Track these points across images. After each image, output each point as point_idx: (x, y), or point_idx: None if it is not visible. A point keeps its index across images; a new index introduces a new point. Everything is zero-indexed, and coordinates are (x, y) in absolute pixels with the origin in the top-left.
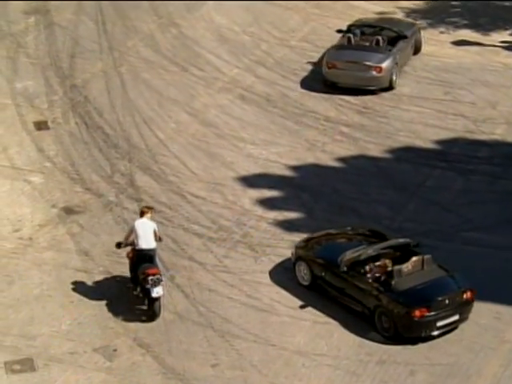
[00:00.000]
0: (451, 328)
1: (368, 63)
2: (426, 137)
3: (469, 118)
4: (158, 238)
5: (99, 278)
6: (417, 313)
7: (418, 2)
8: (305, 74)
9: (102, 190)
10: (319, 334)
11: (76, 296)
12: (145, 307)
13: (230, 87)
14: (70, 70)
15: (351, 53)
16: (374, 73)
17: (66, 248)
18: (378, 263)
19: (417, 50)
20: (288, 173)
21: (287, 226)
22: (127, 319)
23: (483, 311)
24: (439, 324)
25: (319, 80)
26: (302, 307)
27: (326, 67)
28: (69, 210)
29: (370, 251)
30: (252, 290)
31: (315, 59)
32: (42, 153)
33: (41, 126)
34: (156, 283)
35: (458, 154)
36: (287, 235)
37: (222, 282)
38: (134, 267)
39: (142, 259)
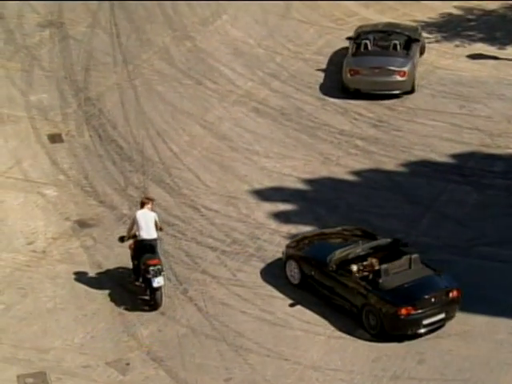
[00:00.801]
0: (437, 326)
1: (392, 68)
2: (441, 151)
3: (484, 131)
4: (159, 228)
5: (112, 291)
6: (403, 311)
7: (432, 15)
8: (319, 87)
9: (115, 203)
10: (333, 348)
11: (89, 309)
12: (147, 297)
13: (244, 100)
14: (85, 82)
15: (373, 58)
16: (398, 77)
17: (80, 261)
18: (365, 262)
19: (421, 53)
20: (302, 186)
21: None
22: (140, 333)
23: (499, 326)
24: (425, 322)
25: (334, 93)
26: (291, 305)
27: (347, 74)
28: (82, 223)
29: (359, 250)
30: (265, 303)
31: (330, 72)
32: (56, 166)
33: (55, 138)
34: (157, 273)
35: (473, 168)
36: None
37: (235, 296)
38: (135, 258)
39: (143, 249)
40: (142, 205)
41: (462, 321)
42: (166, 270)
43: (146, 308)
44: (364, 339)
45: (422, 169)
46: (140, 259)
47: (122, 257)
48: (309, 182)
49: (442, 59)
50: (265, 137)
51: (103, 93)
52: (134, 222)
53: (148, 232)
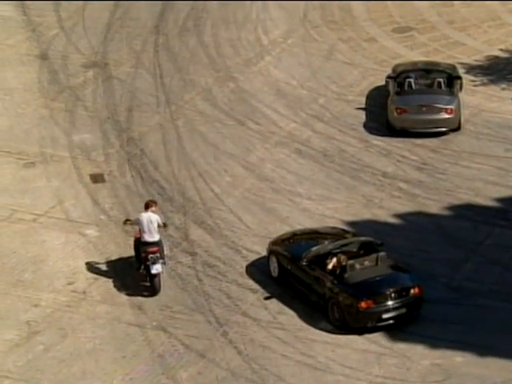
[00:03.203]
0: (399, 321)
1: (439, 105)
2: (486, 194)
3: None
4: (163, 225)
5: (152, 332)
6: (363, 304)
7: (478, 57)
8: (362, 128)
9: None
10: None
11: (129, 351)
12: (148, 284)
13: (286, 141)
14: (127, 123)
15: (419, 96)
16: (445, 114)
17: (120, 302)
18: (335, 258)
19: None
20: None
21: None
22: (179, 375)
23: None
24: (385, 316)
25: (377, 134)
26: (266, 298)
27: (394, 113)
28: (123, 263)
29: (330, 247)
30: (306, 347)
31: (374, 113)
32: (98, 206)
33: (97, 178)
34: (155, 261)
35: None
36: None
37: (275, 339)
38: (138, 248)
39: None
40: (147, 207)
41: (506, 367)
42: (166, 260)
43: (146, 294)
44: (326, 331)
45: (466, 212)
46: (141, 248)
47: (162, 298)
48: (351, 224)
49: (487, 102)
50: (307, 178)
51: (146, 133)
52: (138, 223)
53: (151, 235)
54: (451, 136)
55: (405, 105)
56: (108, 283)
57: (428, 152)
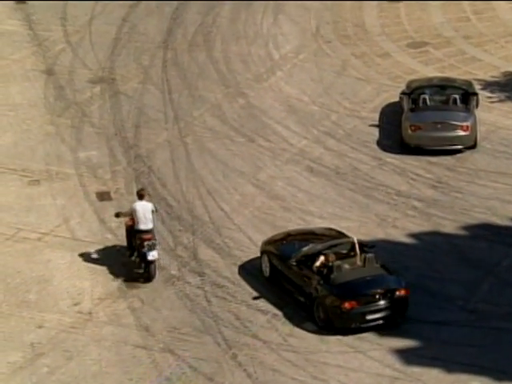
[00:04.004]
0: (383, 323)
1: (455, 122)
2: (503, 214)
3: None
4: (156, 210)
5: (159, 354)
6: (346, 305)
7: (495, 73)
8: (375, 145)
9: (163, 264)
10: None
11: (135, 373)
12: (141, 271)
13: (297, 159)
14: (135, 139)
15: (434, 113)
16: (461, 131)
17: (126, 323)
18: (322, 258)
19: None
20: None
21: None
22: None
23: None
24: (369, 317)
25: (391, 151)
26: (255, 298)
27: (408, 130)
28: (130, 284)
29: (319, 247)
30: (318, 371)
31: (388, 130)
32: (104, 224)
33: (103, 196)
34: (151, 247)
35: None
36: None
37: (286, 362)
38: (130, 236)
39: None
40: (141, 197)
41: None
42: (159, 245)
43: (141, 280)
44: (308, 331)
45: (482, 232)
46: (135, 236)
47: (170, 319)
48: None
49: (504, 119)
50: (319, 197)
51: (153, 150)
52: (132, 213)
53: (145, 224)
54: (467, 154)
55: (419, 122)
56: (114, 304)
57: (443, 170)
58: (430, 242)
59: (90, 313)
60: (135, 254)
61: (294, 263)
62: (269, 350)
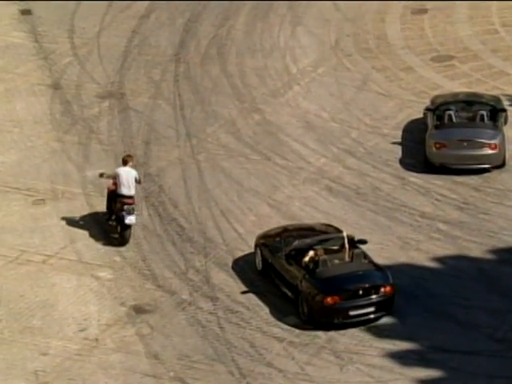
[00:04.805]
0: (368, 319)
1: (482, 140)
2: None
3: None
4: (139, 181)
5: (169, 383)
6: (329, 300)
7: None
8: (398, 164)
9: (174, 288)
10: None
11: None
12: (116, 235)
13: (316, 178)
14: (145, 157)
15: (460, 130)
16: (489, 150)
17: (135, 350)
18: (311, 252)
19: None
20: None
21: (376, 331)
22: None
23: None
24: (352, 313)
25: (415, 171)
26: (243, 293)
27: (433, 148)
28: (138, 309)
29: (309, 241)
30: None
31: (411, 148)
32: (112, 246)
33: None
34: (130, 212)
35: None
36: (376, 342)
37: None
38: (110, 200)
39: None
40: (125, 163)
41: None
42: (138, 213)
43: (116, 243)
44: (289, 325)
45: (511, 256)
46: (115, 200)
47: (181, 347)
48: (386, 268)
49: None
50: (338, 218)
51: (164, 168)
52: (116, 177)
53: (128, 189)
54: (495, 173)
55: (444, 139)
56: (122, 330)
57: (470, 190)
58: (455, 266)
59: (96, 339)
60: (113, 217)
61: (283, 257)
62: (285, 379)
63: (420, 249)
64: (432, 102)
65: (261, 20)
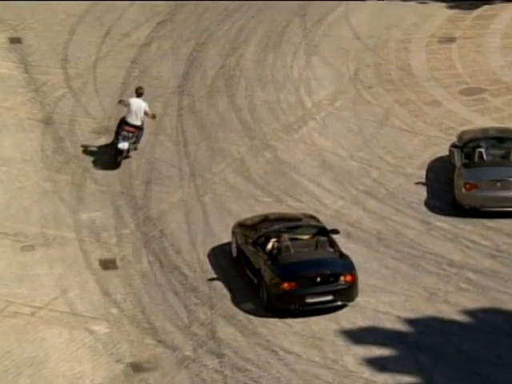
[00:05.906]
0: (326, 307)
1: None
2: None
3: None
4: (152, 116)
5: None
6: (285, 285)
7: None
8: (423, 207)
9: (176, 343)
10: None
11: None
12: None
13: (333, 222)
14: (145, 199)
15: (492, 169)
16: None
17: None
18: (275, 239)
19: None
20: (402, 327)
21: None
22: None
23: None
24: (309, 300)
25: (441, 214)
26: (210, 280)
27: (462, 189)
28: (137, 367)
29: (276, 227)
30: None
31: (437, 189)
32: (108, 297)
33: (108, 264)
34: (125, 138)
35: None
36: None
37: None
38: (120, 125)
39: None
40: (139, 95)
41: None
42: (134, 143)
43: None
44: (244, 310)
45: None
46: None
47: None
48: (410, 322)
49: None
50: (357, 266)
51: (166, 211)
52: (127, 105)
53: (135, 119)
54: None
55: (475, 179)
56: None
57: (502, 236)
58: (487, 320)
59: None
60: (116, 142)
61: (251, 243)
62: None
63: (448, 301)
64: (459, 138)
65: (272, 49)
